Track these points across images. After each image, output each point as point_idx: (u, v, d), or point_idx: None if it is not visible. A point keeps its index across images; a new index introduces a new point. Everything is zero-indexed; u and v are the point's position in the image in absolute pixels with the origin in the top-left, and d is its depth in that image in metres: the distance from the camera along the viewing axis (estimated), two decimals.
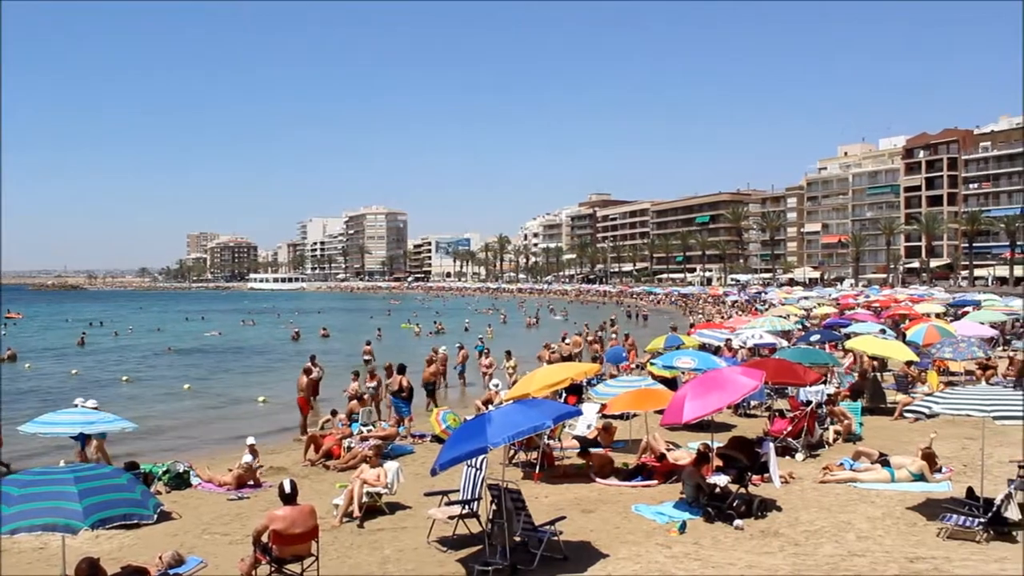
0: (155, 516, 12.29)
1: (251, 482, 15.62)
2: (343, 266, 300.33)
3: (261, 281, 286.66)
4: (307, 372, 23.71)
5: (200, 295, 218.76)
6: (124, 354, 51.22)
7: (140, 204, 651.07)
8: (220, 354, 51.73)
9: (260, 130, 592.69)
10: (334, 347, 51.64)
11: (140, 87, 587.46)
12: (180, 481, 15.71)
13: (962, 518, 11.39)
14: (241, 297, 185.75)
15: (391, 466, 13.72)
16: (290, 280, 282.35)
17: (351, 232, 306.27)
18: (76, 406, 16.98)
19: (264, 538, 9.89)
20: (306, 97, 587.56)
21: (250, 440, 17.51)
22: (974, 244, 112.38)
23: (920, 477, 14.44)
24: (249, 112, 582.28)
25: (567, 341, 36.97)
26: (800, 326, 42.99)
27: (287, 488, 10.09)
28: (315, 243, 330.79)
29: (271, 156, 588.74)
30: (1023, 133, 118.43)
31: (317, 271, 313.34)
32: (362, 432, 18.43)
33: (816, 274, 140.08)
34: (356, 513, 12.82)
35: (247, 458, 16.29)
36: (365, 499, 13.02)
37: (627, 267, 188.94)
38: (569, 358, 30.77)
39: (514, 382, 23.30)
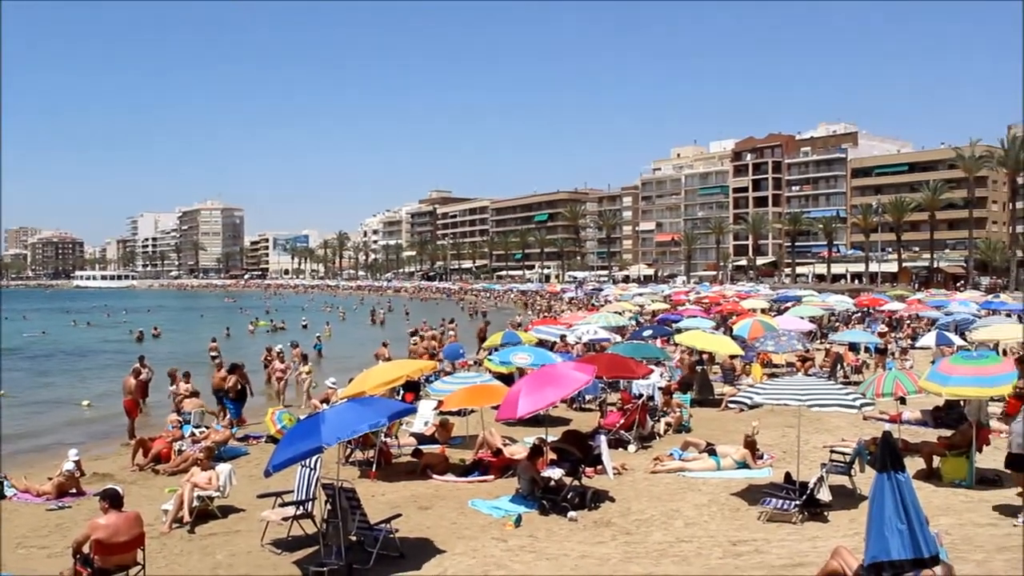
0: None
1: (73, 490, 14.86)
2: (176, 263, 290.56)
3: (88, 279, 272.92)
4: (136, 374, 22.73)
5: (20, 293, 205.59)
6: None
7: None
8: (43, 356, 48.75)
9: (87, 120, 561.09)
10: (171, 347, 49.71)
11: None
12: None
13: (780, 501, 12.07)
14: (67, 295, 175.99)
15: (223, 468, 13.38)
16: (120, 278, 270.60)
17: (185, 228, 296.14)
18: None
19: (86, 548, 9.41)
20: (138, 87, 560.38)
21: (72, 453, 16.15)
22: (796, 243, 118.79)
23: (743, 464, 15.19)
24: (75, 100, 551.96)
25: (420, 335, 37.07)
26: (634, 322, 44.35)
27: (112, 495, 9.65)
28: (147, 239, 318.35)
29: (100, 148, 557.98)
30: (839, 139, 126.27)
31: (149, 268, 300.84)
32: (193, 434, 17.88)
33: (650, 271, 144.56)
34: (186, 518, 12.41)
35: (68, 465, 15.41)
36: (196, 503, 12.63)
37: (467, 264, 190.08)
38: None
39: (307, 389, 22.85)
